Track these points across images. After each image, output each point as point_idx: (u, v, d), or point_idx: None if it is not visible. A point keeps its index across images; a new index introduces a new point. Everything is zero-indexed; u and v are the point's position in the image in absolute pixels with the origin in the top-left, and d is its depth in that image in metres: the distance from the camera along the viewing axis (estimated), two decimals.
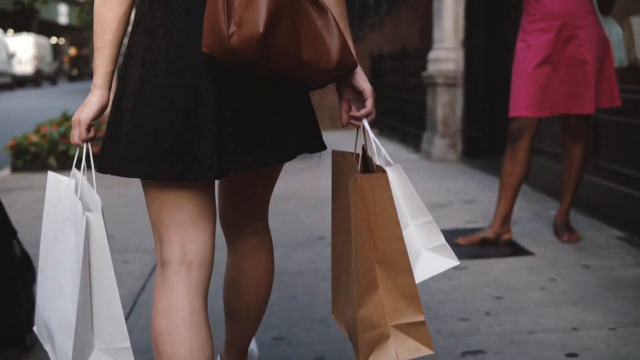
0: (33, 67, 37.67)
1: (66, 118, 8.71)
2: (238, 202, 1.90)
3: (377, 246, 1.69)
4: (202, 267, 1.70)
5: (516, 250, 4.21)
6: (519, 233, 4.44)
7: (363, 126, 1.81)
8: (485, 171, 6.98)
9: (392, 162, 1.77)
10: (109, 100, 1.76)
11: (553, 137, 5.04)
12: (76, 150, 1.81)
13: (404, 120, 10.05)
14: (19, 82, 35.98)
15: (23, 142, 8.15)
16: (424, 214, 1.77)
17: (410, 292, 1.71)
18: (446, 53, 8.09)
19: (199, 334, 1.62)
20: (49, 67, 41.26)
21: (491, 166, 6.96)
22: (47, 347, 1.85)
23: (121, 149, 1.65)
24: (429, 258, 1.76)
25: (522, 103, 4.19)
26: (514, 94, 4.25)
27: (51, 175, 1.86)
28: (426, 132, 8.54)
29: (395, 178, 1.75)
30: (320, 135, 1.82)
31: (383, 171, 1.76)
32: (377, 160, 1.80)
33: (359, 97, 1.79)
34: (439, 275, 1.78)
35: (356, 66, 1.72)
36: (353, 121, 1.82)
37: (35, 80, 37.72)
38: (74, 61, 50.02)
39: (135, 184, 6.60)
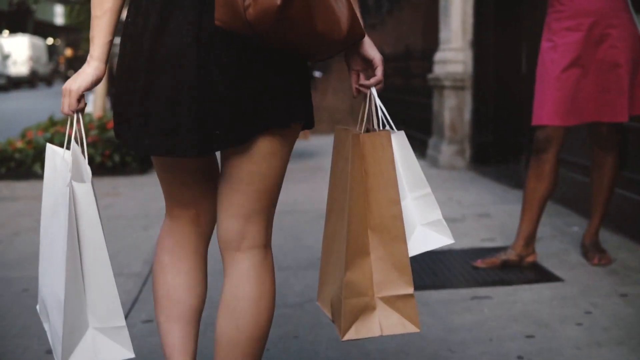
0: (28, 68, 37.35)
1: (52, 123, 8.30)
2: (232, 195, 1.73)
3: (372, 210, 1.67)
4: (209, 223, 1.86)
5: (542, 275, 3.78)
6: (542, 254, 4.02)
7: (370, 93, 1.80)
8: (497, 180, 6.58)
9: (395, 130, 1.76)
10: (104, 72, 1.73)
11: (574, 144, 4.65)
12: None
13: (407, 124, 9.61)
14: (14, 84, 35.64)
15: (7, 149, 7.75)
16: (422, 185, 1.75)
17: (402, 262, 1.68)
18: (454, 54, 7.73)
19: (197, 272, 1.85)
20: (44, 68, 40.92)
21: (503, 174, 6.59)
22: (46, 326, 1.85)
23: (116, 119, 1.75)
24: (424, 233, 1.73)
25: (548, 110, 3.76)
26: (539, 100, 3.82)
27: (49, 147, 1.81)
28: (432, 137, 8.18)
29: (398, 145, 1.74)
30: (311, 112, 1.79)
31: (386, 131, 1.75)
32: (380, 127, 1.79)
33: (369, 65, 1.78)
34: (459, 308, 1.79)
35: (364, 35, 1.71)
36: (362, 89, 1.81)
37: (30, 81, 37.39)
38: (70, 62, 49.64)
39: (124, 195, 6.16)
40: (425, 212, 1.76)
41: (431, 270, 3.77)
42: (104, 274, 1.69)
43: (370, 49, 1.76)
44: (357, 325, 1.67)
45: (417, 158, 1.81)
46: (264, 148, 1.64)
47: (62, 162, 1.74)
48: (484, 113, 7.51)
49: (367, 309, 1.67)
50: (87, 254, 1.67)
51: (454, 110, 7.67)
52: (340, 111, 12.13)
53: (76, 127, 1.76)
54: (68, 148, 1.76)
